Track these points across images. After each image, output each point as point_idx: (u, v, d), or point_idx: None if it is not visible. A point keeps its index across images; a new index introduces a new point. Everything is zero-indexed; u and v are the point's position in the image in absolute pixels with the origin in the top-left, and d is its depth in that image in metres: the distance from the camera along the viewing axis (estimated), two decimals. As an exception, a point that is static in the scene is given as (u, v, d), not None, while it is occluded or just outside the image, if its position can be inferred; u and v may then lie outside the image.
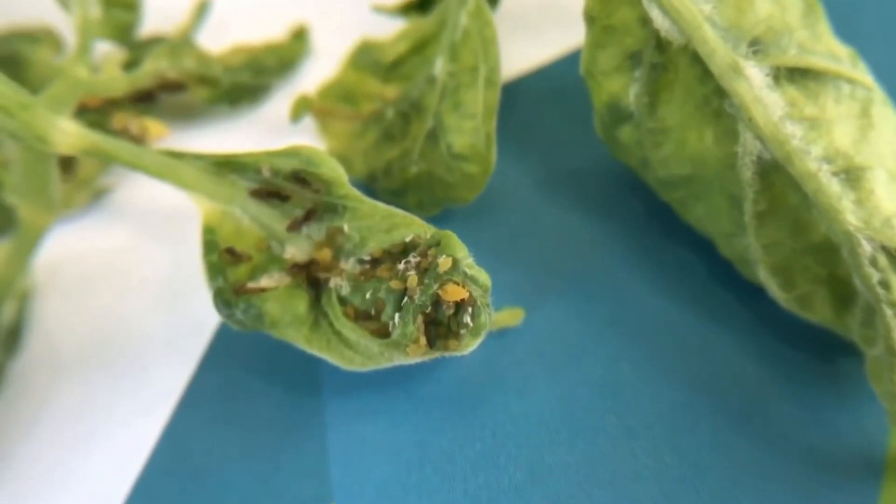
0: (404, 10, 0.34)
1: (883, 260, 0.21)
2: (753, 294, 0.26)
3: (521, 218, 0.30)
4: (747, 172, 0.24)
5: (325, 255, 0.25)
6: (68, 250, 0.31)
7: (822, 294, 0.24)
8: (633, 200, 0.30)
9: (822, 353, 0.26)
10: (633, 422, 0.25)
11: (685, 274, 0.28)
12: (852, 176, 0.22)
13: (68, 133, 0.24)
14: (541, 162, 0.32)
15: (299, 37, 0.36)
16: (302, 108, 0.32)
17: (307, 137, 0.33)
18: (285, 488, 0.25)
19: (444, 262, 0.22)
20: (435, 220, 0.29)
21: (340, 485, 0.25)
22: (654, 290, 0.28)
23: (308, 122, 0.34)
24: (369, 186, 0.31)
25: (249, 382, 0.28)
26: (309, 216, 0.25)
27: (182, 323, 0.29)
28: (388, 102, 0.32)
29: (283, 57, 0.35)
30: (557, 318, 0.28)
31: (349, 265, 0.24)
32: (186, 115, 0.34)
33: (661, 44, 0.25)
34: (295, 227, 0.25)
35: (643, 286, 0.28)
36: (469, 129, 0.28)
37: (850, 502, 0.23)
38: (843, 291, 0.24)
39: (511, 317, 0.28)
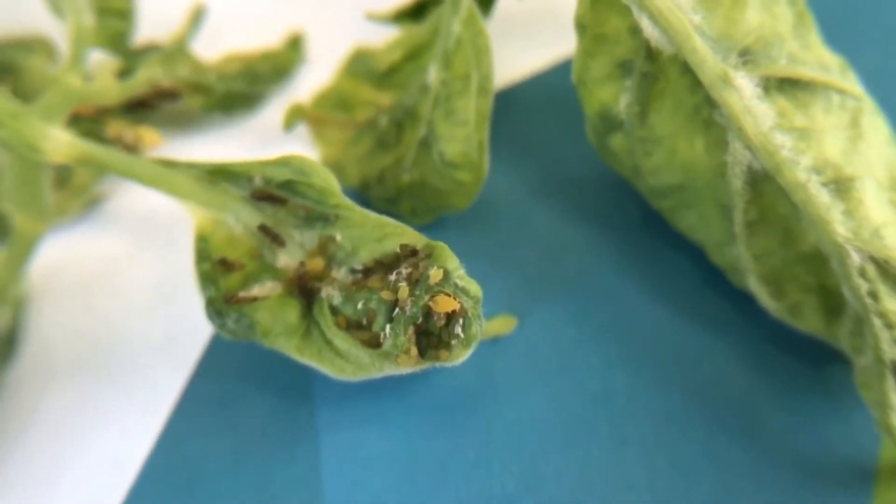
0: (398, 18, 0.34)
1: (871, 270, 0.21)
2: (746, 301, 0.26)
3: (515, 225, 0.30)
4: (737, 182, 0.24)
5: (318, 263, 0.25)
6: (63, 258, 0.31)
7: (812, 303, 0.24)
8: (627, 207, 0.30)
9: (814, 361, 0.26)
10: (626, 430, 0.25)
11: (679, 281, 0.28)
12: (841, 186, 0.22)
13: (60, 142, 0.24)
14: (534, 169, 0.32)
15: (294, 44, 0.36)
16: (295, 116, 0.33)
17: (302, 145, 0.33)
18: (277, 497, 0.25)
19: (435, 274, 0.22)
20: (428, 228, 0.29)
21: (332, 494, 0.25)
22: (648, 298, 0.28)
23: (302, 129, 0.34)
24: (363, 194, 0.31)
25: (243, 390, 0.28)
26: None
27: (176, 330, 0.29)
28: (383, 110, 0.32)
29: (278, 65, 0.35)
30: (551, 325, 0.28)
31: (341, 274, 0.24)
32: (181, 124, 0.34)
33: (651, 53, 0.25)
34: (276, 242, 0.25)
35: (637, 293, 0.28)
36: (461, 137, 0.28)
37: (841, 510, 0.23)
38: (832, 301, 0.24)
39: (504, 325, 0.28)
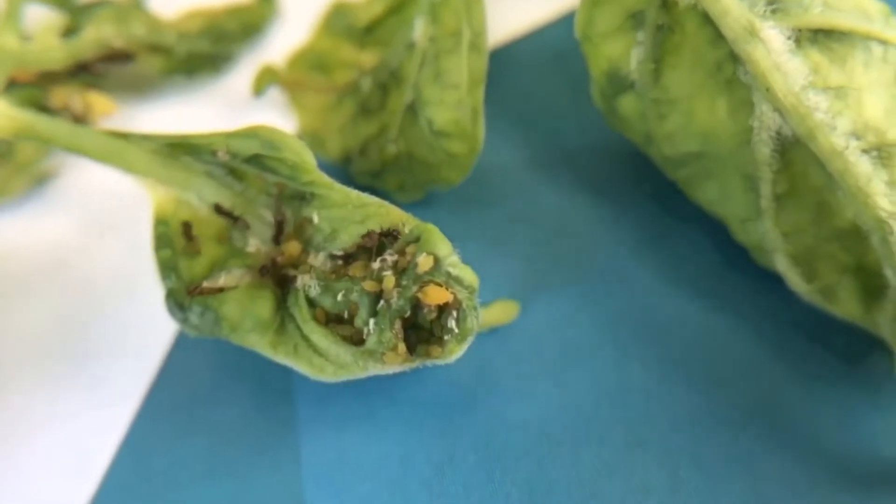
0: (380, -33, 0.32)
1: (920, 249, 0.20)
2: (774, 282, 0.25)
3: (515, 201, 0.29)
4: (765, 150, 0.23)
5: (293, 248, 0.24)
6: (7, 243, 0.30)
7: (849, 286, 0.23)
8: (639, 179, 0.29)
9: (851, 350, 0.25)
10: (643, 430, 0.25)
11: (698, 261, 0.27)
12: (884, 153, 0.21)
13: (-6, 113, 0.23)
14: (535, 137, 0.31)
15: (266, -1, 0.35)
16: (266, 79, 0.31)
17: (275, 112, 0.32)
18: (254, 508, 0.25)
19: (423, 262, 0.21)
20: (418, 206, 0.28)
21: (316, 502, 0.24)
22: (664, 280, 0.27)
23: (276, 94, 0.33)
24: (344, 168, 0.30)
25: (215, 389, 0.27)
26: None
27: (138, 324, 0.28)
28: (365, 71, 0.31)
29: (248, 21, 0.34)
30: (557, 312, 0.27)
31: (319, 260, 0.23)
32: (137, 89, 0.33)
33: (666, 2, 0.24)
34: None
35: (651, 275, 0.27)
36: (452, 102, 0.27)
37: (883, 515, 0.23)
38: (872, 283, 0.23)
39: (504, 312, 0.27)
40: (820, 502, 0.23)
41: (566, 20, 0.33)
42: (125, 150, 0.24)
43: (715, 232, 0.27)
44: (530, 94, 0.32)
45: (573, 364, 0.26)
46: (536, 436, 0.25)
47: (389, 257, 0.22)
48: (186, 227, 0.24)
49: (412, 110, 0.27)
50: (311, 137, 0.31)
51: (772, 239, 0.24)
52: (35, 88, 0.29)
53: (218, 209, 0.24)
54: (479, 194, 0.29)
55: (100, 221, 0.31)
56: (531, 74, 0.32)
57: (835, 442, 0.24)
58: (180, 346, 0.28)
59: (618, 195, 0.29)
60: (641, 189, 0.29)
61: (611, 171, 0.30)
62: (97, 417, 0.27)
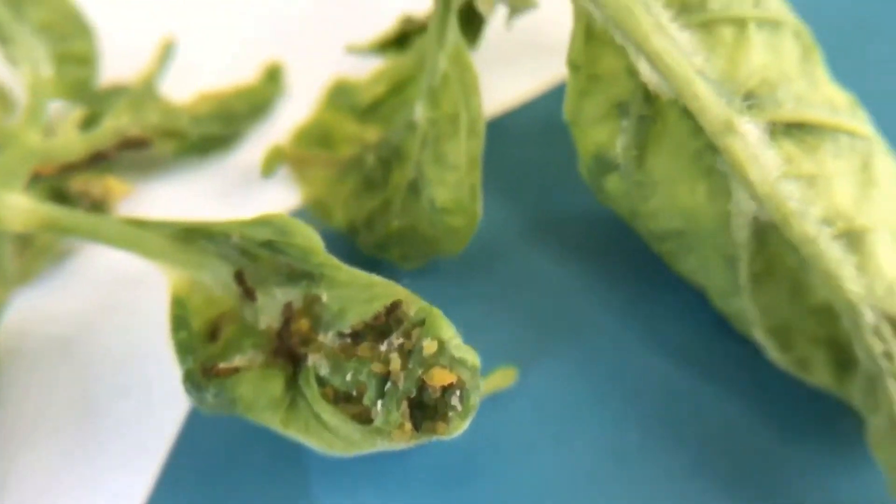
0: (380, 48, 0.33)
1: (887, 330, 0.21)
2: (754, 348, 0.26)
3: (511, 268, 0.30)
4: (742, 233, 0.24)
5: (303, 325, 0.25)
6: (23, 321, 0.30)
7: (822, 357, 0.24)
8: (628, 246, 0.30)
9: (828, 415, 0.26)
10: (641, 487, 0.25)
11: (685, 325, 0.28)
12: (853, 239, 0.22)
13: (20, 209, 0.24)
14: (528, 206, 0.32)
15: (272, 77, 0.36)
16: (275, 160, 0.32)
17: (282, 184, 0.33)
18: (269, 576, 0.25)
19: (428, 346, 0.22)
20: (420, 273, 0.29)
21: (328, 568, 0.25)
22: (654, 345, 0.28)
23: (283, 168, 0.34)
24: (350, 238, 0.31)
25: (228, 460, 0.27)
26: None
27: (152, 399, 0.29)
28: (368, 146, 0.32)
29: (255, 101, 0.35)
30: (555, 374, 0.28)
31: (328, 339, 0.24)
32: (150, 170, 0.34)
33: (649, 96, 0.24)
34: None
35: (642, 340, 0.28)
36: (452, 182, 0.28)
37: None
38: (843, 356, 0.23)
39: (503, 378, 0.28)
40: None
41: (555, 93, 0.34)
42: (143, 237, 0.25)
43: (699, 299, 0.28)
44: (522, 165, 0.33)
45: (573, 425, 0.27)
46: (540, 496, 0.26)
47: (396, 340, 0.22)
48: (215, 327, 0.25)
49: (414, 188, 0.28)
50: (317, 207, 0.32)
51: (749, 312, 0.25)
52: (56, 178, 0.30)
53: (239, 278, 0.25)
54: (478, 261, 0.30)
55: (114, 299, 0.31)
56: (523, 145, 0.33)
57: (815, 499, 0.25)
58: (193, 419, 0.28)
59: (608, 262, 0.30)
60: (631, 255, 0.30)
61: (601, 239, 0.31)
62: (115, 491, 0.27)
